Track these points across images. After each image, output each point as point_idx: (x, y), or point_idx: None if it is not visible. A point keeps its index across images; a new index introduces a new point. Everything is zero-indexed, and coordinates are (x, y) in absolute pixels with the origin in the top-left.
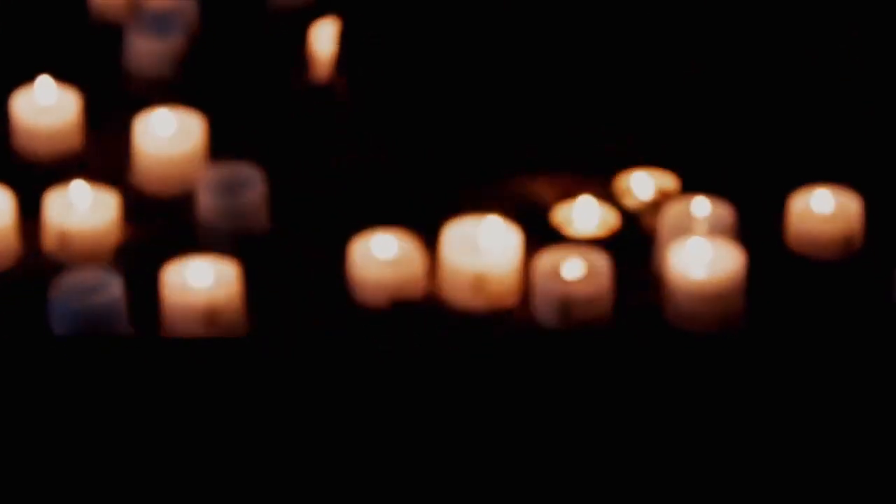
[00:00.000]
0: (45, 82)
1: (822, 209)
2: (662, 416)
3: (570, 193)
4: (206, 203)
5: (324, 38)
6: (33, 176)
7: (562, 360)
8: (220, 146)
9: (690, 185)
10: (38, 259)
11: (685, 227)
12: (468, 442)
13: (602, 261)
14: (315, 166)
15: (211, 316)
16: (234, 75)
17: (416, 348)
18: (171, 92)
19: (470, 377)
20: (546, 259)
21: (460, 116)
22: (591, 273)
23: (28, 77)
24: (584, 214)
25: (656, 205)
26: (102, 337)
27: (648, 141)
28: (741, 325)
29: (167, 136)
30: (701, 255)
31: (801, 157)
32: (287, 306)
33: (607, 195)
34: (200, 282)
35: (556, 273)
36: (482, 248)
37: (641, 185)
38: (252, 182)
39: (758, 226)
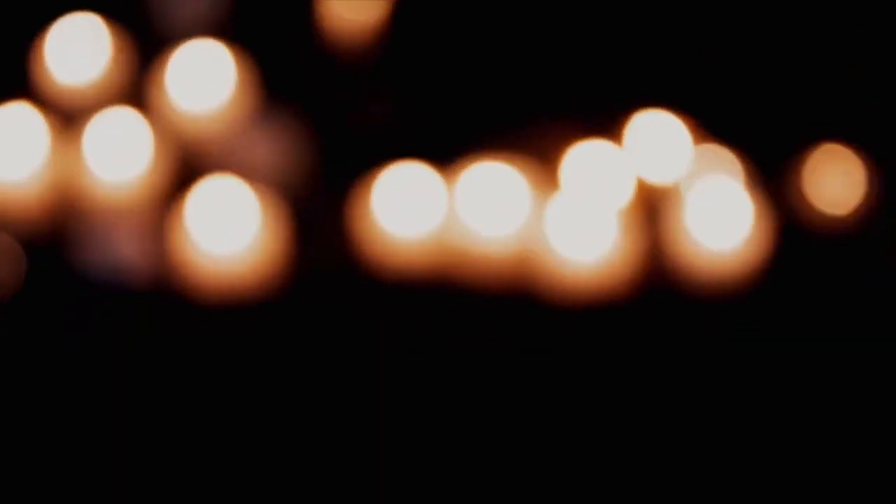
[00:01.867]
0: (83, 19)
1: (835, 164)
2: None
3: (580, 139)
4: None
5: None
6: (70, 110)
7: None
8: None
9: (706, 132)
10: (72, 194)
11: (699, 177)
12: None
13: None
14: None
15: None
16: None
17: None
18: (208, 30)
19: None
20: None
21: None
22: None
23: (67, 13)
24: (595, 164)
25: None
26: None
27: (663, 87)
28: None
29: (202, 73)
30: (714, 205)
31: (819, 109)
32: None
33: (619, 142)
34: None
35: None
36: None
37: (655, 131)
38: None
39: (772, 176)
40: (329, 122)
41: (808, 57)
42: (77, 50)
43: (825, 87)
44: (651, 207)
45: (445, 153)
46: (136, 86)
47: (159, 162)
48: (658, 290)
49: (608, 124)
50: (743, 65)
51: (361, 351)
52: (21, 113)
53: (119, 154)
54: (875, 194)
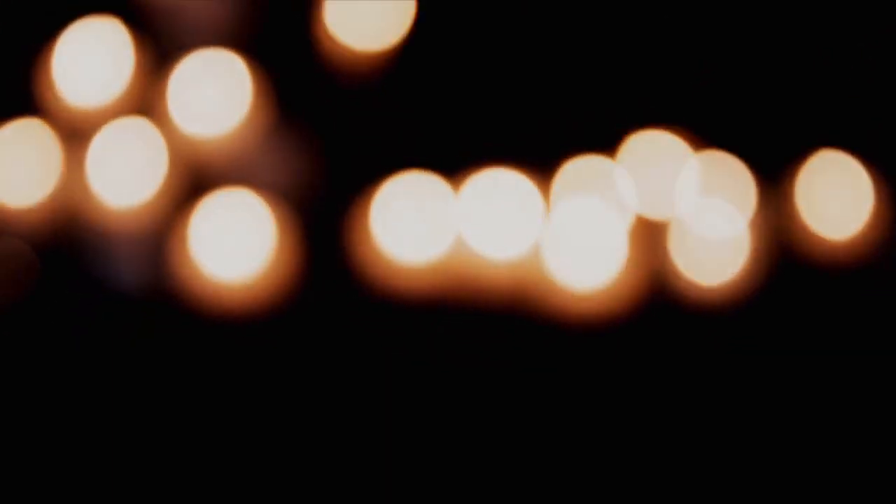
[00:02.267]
0: (93, 29)
1: (833, 176)
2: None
3: (581, 157)
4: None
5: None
6: (80, 121)
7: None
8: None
9: (705, 144)
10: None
11: (695, 187)
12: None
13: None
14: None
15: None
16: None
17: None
18: (218, 40)
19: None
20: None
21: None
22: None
23: (76, 19)
24: (595, 183)
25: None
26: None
27: (663, 100)
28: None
29: (209, 80)
30: (707, 216)
31: (818, 120)
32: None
33: (619, 160)
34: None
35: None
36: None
37: (654, 148)
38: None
39: (771, 187)
40: (336, 134)
41: (808, 61)
42: (86, 60)
43: (826, 92)
44: (651, 228)
45: (448, 166)
46: (145, 97)
47: (169, 175)
48: (657, 313)
49: (608, 142)
50: (740, 73)
51: (369, 367)
52: (29, 126)
53: (128, 167)
54: (883, 211)
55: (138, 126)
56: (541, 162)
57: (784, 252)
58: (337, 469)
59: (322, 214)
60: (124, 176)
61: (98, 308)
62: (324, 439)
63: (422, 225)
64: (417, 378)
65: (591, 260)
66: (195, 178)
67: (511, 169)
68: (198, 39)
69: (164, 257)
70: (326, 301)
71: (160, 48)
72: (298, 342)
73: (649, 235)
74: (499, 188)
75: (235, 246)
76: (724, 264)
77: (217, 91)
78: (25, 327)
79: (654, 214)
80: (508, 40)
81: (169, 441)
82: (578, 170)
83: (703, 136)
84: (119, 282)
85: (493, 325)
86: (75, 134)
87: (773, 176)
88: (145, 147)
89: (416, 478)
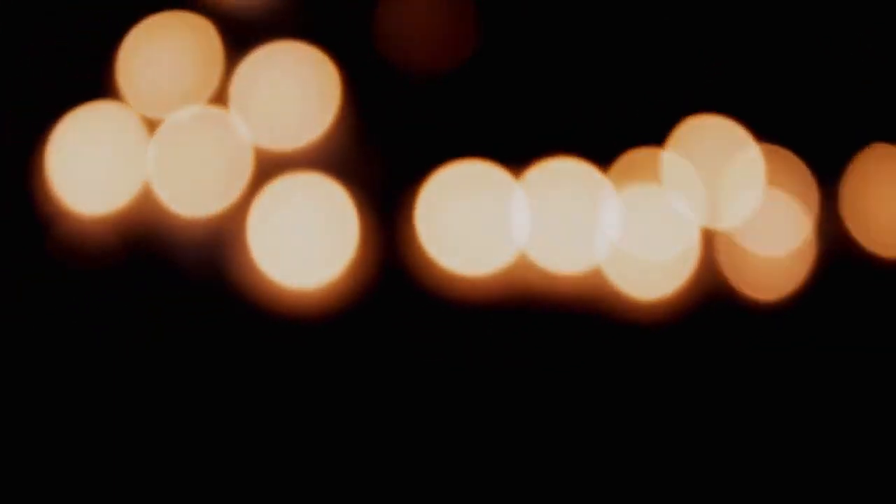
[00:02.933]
0: (168, 19)
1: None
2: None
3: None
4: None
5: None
6: (153, 110)
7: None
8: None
9: (758, 136)
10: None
11: (745, 178)
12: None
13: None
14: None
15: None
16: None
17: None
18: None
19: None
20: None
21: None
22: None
23: (152, 13)
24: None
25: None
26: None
27: (713, 91)
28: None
29: (282, 74)
30: (759, 210)
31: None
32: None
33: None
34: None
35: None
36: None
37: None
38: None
39: (822, 180)
40: (401, 125)
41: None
42: (161, 49)
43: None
44: (711, 236)
45: (512, 163)
46: (218, 86)
47: (242, 163)
48: (718, 320)
49: (664, 139)
50: (792, 69)
51: (430, 373)
52: (104, 112)
53: (200, 155)
54: None
55: (213, 120)
56: (599, 161)
57: (841, 255)
58: (387, 473)
59: (380, 214)
60: (197, 164)
61: (176, 307)
62: (375, 444)
63: (484, 232)
64: (476, 384)
65: (655, 268)
66: (269, 166)
67: (574, 168)
68: (267, 33)
69: (230, 254)
70: (392, 305)
71: (233, 42)
72: (369, 344)
73: (710, 243)
74: (562, 193)
75: (307, 231)
76: (785, 272)
77: (290, 81)
78: (100, 321)
79: (715, 222)
80: (566, 38)
81: (231, 442)
82: (637, 171)
83: (759, 130)
84: (189, 277)
85: (554, 333)
86: (150, 127)
87: (827, 172)
88: (220, 140)
89: (466, 480)
